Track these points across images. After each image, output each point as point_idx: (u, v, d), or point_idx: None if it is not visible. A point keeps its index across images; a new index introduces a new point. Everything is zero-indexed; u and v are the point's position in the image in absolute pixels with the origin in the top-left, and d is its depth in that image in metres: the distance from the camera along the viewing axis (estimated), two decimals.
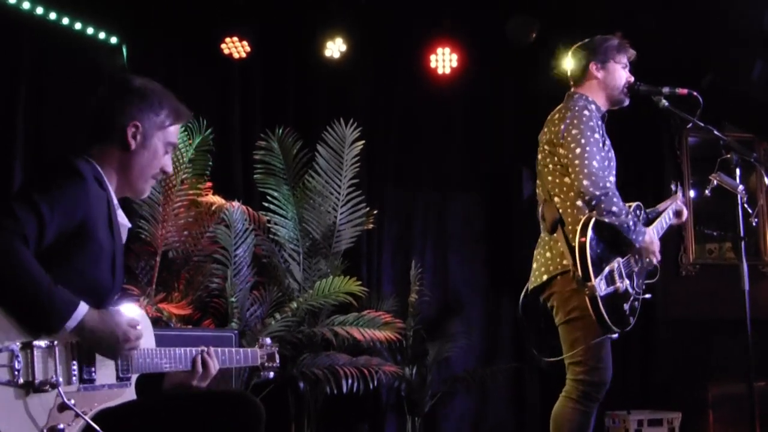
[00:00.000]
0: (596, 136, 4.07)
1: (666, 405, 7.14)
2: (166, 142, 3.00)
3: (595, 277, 3.93)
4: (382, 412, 7.17)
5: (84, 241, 2.73)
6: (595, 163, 4.00)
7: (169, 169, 3.06)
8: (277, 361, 3.49)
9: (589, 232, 3.97)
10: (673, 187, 4.75)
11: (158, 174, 3.03)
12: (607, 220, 3.98)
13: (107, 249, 2.82)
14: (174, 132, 3.05)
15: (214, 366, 3.10)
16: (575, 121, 4.10)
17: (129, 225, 3.08)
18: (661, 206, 4.61)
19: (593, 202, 3.97)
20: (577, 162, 4.01)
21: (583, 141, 4.04)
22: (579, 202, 4.05)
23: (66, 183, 2.70)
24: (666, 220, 4.51)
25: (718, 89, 6.84)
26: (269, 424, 2.89)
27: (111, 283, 2.85)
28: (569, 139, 4.08)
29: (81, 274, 2.71)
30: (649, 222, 4.45)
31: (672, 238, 7.64)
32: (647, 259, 4.21)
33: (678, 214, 4.60)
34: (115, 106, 2.93)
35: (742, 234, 4.36)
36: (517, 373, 7.41)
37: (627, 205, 4.27)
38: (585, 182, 3.97)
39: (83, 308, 2.62)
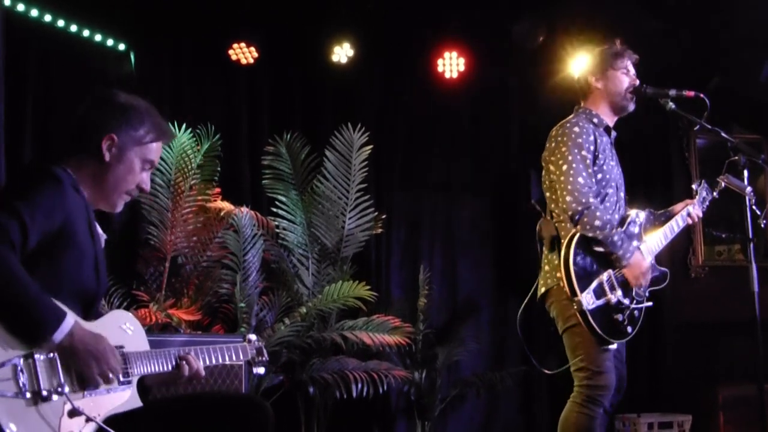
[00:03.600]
0: (584, 153, 4.15)
1: (676, 407, 7.12)
2: (143, 159, 2.98)
3: (581, 291, 4.00)
4: (392, 416, 7.17)
5: (66, 244, 2.75)
6: (580, 179, 4.08)
7: (147, 186, 3.04)
8: (266, 355, 3.51)
9: (573, 247, 4.05)
10: (694, 186, 4.74)
11: (134, 190, 3.01)
12: (590, 234, 4.04)
13: (89, 252, 2.84)
14: (154, 150, 3.02)
15: (195, 367, 3.09)
16: (564, 139, 4.20)
17: (105, 236, 3.07)
18: (674, 208, 4.62)
19: (576, 218, 4.05)
20: (562, 179, 4.11)
21: (570, 158, 4.13)
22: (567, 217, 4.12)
23: (43, 187, 2.72)
24: (676, 224, 4.50)
25: (725, 91, 6.83)
26: (279, 429, 2.90)
27: (96, 286, 2.87)
28: (558, 156, 4.18)
29: (66, 278, 2.73)
30: (657, 226, 4.45)
31: (681, 240, 7.61)
32: (634, 280, 4.15)
33: (690, 215, 4.59)
34: (93, 118, 2.93)
35: (750, 236, 4.34)
36: (526, 377, 7.40)
37: (632, 212, 4.30)
38: (568, 198, 4.07)
39: (71, 319, 2.62)
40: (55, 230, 2.71)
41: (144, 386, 3.03)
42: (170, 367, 3.03)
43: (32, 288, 2.54)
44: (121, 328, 2.92)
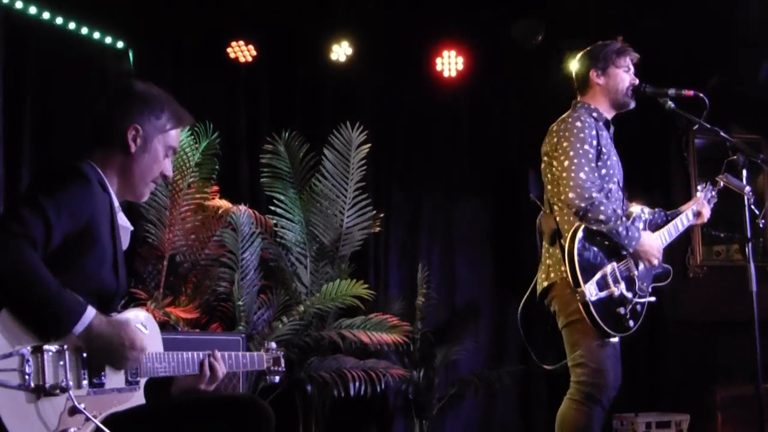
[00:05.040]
0: (586, 147, 4.13)
1: (674, 407, 7.12)
2: (166, 146, 3.02)
3: (585, 282, 3.99)
4: (390, 415, 7.17)
5: (89, 244, 2.74)
6: (582, 174, 4.06)
7: (169, 173, 3.08)
8: (283, 365, 3.50)
9: (577, 239, 4.04)
10: (700, 188, 4.75)
11: (158, 178, 3.04)
12: (595, 227, 4.05)
13: (109, 252, 2.84)
14: (175, 136, 3.06)
15: (221, 370, 3.10)
16: (566, 134, 4.17)
17: (131, 227, 3.07)
18: (683, 207, 4.63)
19: (580, 213, 4.05)
20: (565, 174, 4.09)
21: (572, 153, 4.11)
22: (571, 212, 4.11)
23: (71, 186, 2.72)
24: (684, 220, 4.52)
25: (724, 90, 6.83)
26: (277, 428, 2.89)
27: (115, 285, 2.86)
28: (560, 151, 4.16)
29: (86, 277, 2.73)
30: (667, 223, 4.47)
31: (679, 240, 7.60)
32: (646, 263, 4.21)
33: (698, 214, 4.60)
34: (116, 110, 2.95)
35: (749, 235, 4.34)
36: (524, 376, 7.40)
37: (637, 208, 4.31)
38: (571, 195, 4.05)
39: (91, 312, 2.63)
40: (80, 229, 2.71)
41: (168, 394, 3.03)
42: (182, 371, 3.01)
43: (53, 284, 2.54)
44: (137, 327, 2.90)
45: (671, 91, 4.33)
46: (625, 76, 4.35)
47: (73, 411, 2.57)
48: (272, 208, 6.40)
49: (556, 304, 4.23)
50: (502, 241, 7.65)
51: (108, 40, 6.54)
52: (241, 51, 6.87)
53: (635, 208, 4.38)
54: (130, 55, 6.63)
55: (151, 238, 6.00)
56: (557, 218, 4.22)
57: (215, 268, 6.10)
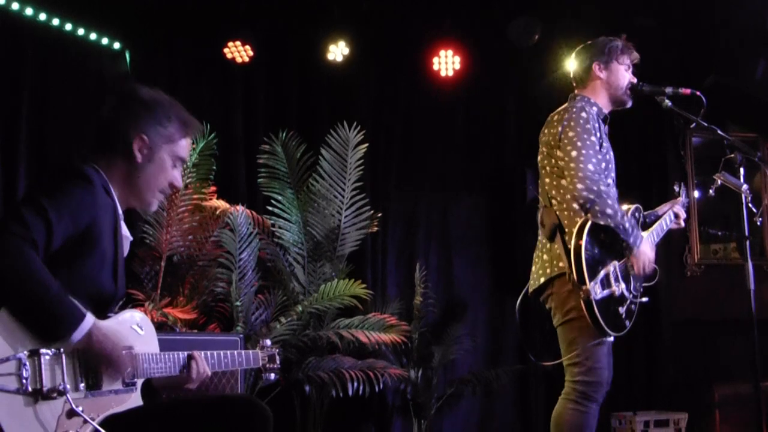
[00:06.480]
0: (593, 138, 4.06)
1: (672, 405, 7.13)
2: (174, 156, 2.97)
3: (590, 280, 3.92)
4: (388, 414, 7.17)
5: (89, 247, 2.73)
6: (590, 166, 3.99)
7: (179, 183, 3.02)
8: (278, 362, 3.49)
9: (585, 236, 3.96)
10: (676, 188, 4.75)
11: (167, 188, 3.00)
12: (602, 222, 3.97)
13: (110, 256, 2.82)
14: (184, 146, 3.01)
15: (202, 369, 3.09)
16: (572, 123, 4.09)
17: (131, 238, 3.06)
18: (660, 209, 4.61)
19: (587, 205, 3.96)
20: (572, 165, 4.00)
21: (579, 143, 4.03)
22: (575, 205, 4.04)
23: (74, 188, 2.70)
24: (665, 223, 4.50)
25: (721, 89, 6.83)
26: (275, 428, 2.89)
27: (113, 290, 2.85)
28: (566, 141, 4.07)
29: (84, 280, 2.72)
30: (646, 226, 4.44)
31: (677, 238, 7.64)
32: (641, 267, 4.15)
33: (677, 217, 4.59)
34: (121, 118, 2.90)
35: (746, 234, 4.34)
36: (522, 375, 7.41)
37: (627, 207, 4.28)
38: (579, 185, 3.97)
39: (90, 320, 2.61)
40: (81, 232, 2.69)
41: (152, 389, 3.02)
42: (177, 370, 3.01)
43: (53, 286, 2.53)
44: (132, 329, 2.90)
45: (668, 90, 4.31)
46: (625, 73, 4.33)
47: (71, 413, 2.57)
48: (270, 208, 6.40)
49: (553, 301, 4.16)
50: (499, 240, 7.65)
51: (105, 41, 6.55)
52: (238, 51, 6.86)
53: (625, 207, 4.35)
54: (127, 56, 6.62)
55: (149, 238, 5.99)
56: (557, 213, 4.14)
57: (213, 269, 6.09)
